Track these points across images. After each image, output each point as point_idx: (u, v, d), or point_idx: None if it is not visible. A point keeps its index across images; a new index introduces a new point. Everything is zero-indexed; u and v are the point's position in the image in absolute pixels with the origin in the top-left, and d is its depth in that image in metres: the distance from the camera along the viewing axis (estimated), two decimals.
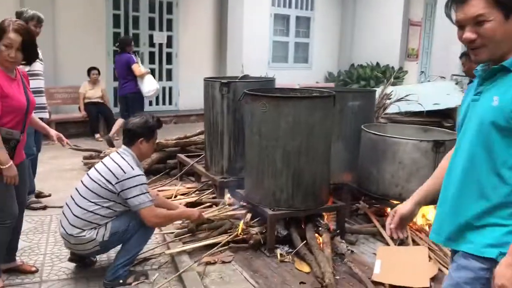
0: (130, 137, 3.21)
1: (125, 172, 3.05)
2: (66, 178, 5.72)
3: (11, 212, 2.94)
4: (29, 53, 2.94)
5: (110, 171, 3.07)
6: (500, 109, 1.52)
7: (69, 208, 3.10)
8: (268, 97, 3.69)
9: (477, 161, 1.60)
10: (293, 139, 3.59)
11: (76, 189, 3.17)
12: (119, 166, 3.08)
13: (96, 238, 3.06)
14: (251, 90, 3.91)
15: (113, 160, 3.14)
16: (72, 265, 3.41)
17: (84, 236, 3.04)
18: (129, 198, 3.04)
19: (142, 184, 3.07)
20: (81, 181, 3.18)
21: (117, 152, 3.22)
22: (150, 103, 10.07)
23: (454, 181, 1.67)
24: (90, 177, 3.13)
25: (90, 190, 3.07)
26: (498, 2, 1.50)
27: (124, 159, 3.12)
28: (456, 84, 10.08)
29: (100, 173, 3.10)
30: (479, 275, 1.60)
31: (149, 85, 7.15)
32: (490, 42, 1.55)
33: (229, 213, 3.99)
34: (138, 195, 3.04)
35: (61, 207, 3.31)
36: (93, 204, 3.04)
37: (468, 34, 1.56)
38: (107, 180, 3.05)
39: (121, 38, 7.94)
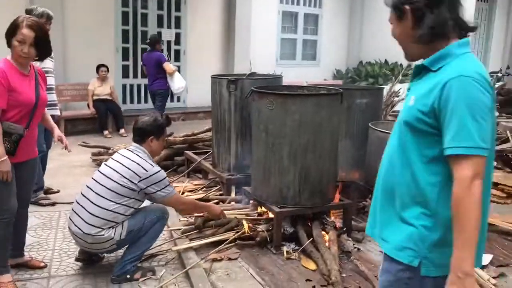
0: (140, 135, 3.26)
1: (146, 170, 3.10)
2: (75, 174, 5.76)
3: (8, 208, 2.92)
4: (42, 49, 2.98)
5: (131, 170, 3.09)
6: (413, 109, 1.57)
7: (83, 207, 3.10)
8: (275, 94, 3.69)
9: (394, 160, 1.65)
10: (300, 136, 3.59)
11: (89, 187, 3.17)
12: (139, 164, 3.11)
13: (114, 236, 3.08)
14: (258, 88, 3.91)
15: (129, 158, 3.16)
16: None
17: (103, 235, 3.05)
18: (155, 192, 3.13)
19: (164, 178, 3.19)
20: (94, 179, 3.19)
21: (130, 150, 3.24)
22: None
23: (379, 179, 1.74)
24: (107, 176, 3.12)
25: (109, 189, 3.07)
26: (392, 6, 1.64)
27: (141, 157, 3.17)
28: None
29: (119, 172, 3.10)
30: (399, 277, 1.62)
31: (178, 83, 7.55)
32: (399, 42, 1.68)
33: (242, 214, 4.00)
34: (163, 188, 3.15)
35: (70, 203, 3.33)
36: (113, 203, 3.05)
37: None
38: (128, 179, 3.07)
39: (151, 36, 8.15)
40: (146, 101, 9.95)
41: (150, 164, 3.16)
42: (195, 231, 3.82)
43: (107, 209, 3.04)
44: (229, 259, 3.52)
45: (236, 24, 10.48)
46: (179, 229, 3.90)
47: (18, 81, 2.88)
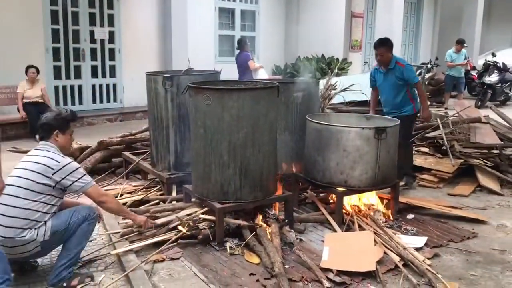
0: (45, 131, 3.18)
1: (58, 162, 3.04)
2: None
3: None
4: None
5: (43, 164, 3.01)
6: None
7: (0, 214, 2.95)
8: (212, 89, 3.65)
9: None
10: (238, 131, 3.58)
11: (3, 193, 3.01)
12: (49, 158, 3.04)
13: (37, 238, 2.95)
14: (194, 83, 3.86)
15: (39, 155, 3.08)
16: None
17: (25, 236, 2.92)
18: (72, 184, 3.04)
19: (78, 168, 3.11)
20: (7, 184, 3.03)
21: (38, 149, 3.15)
22: (94, 101, 9.80)
23: None
24: (19, 176, 3.01)
25: (23, 188, 2.96)
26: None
27: (50, 151, 3.10)
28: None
29: (31, 170, 3.00)
30: None
31: (261, 77, 8.41)
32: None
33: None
34: (79, 178, 3.06)
35: None
36: (29, 201, 2.95)
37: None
38: (41, 174, 2.99)
39: (239, 39, 9.36)
40: (80, 103, 9.61)
41: (61, 156, 3.11)
42: (135, 233, 3.71)
43: (24, 208, 2.93)
44: (171, 259, 3.45)
45: (172, 21, 10.31)
46: (118, 232, 3.77)
47: None
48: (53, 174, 2.99)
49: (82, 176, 3.09)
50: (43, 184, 2.98)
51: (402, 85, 5.05)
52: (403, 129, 4.63)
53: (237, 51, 9.24)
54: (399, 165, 4.66)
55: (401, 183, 5.02)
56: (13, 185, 2.99)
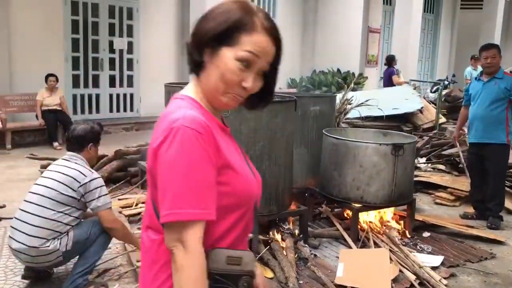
0: (80, 144, 3.23)
1: (85, 176, 3.07)
2: (22, 188, 5.48)
3: None
4: None
5: (70, 176, 3.04)
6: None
7: (24, 222, 2.98)
8: None
9: None
10: (255, 144, 3.58)
11: (27, 200, 3.07)
12: (77, 170, 3.08)
13: (60, 248, 2.98)
14: None
15: (67, 166, 3.12)
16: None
17: (48, 247, 2.95)
18: (92, 200, 3.05)
19: (102, 186, 3.13)
20: (32, 192, 3.09)
21: (66, 159, 3.19)
22: (111, 110, 9.91)
23: None
24: (46, 186, 3.04)
25: (49, 198, 2.99)
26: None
27: (79, 164, 3.14)
28: (414, 89, 10.37)
29: (57, 181, 3.03)
30: None
31: None
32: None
33: None
34: (100, 196, 3.08)
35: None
36: (54, 212, 2.98)
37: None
38: (68, 186, 3.02)
39: (387, 56, 10.72)
40: (98, 111, 9.72)
41: (90, 170, 3.15)
42: None
43: (49, 218, 2.96)
44: None
45: (190, 33, 10.40)
46: None
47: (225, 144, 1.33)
48: (79, 187, 3.02)
49: (103, 196, 3.09)
50: (68, 196, 3.01)
51: (503, 100, 4.53)
52: (494, 158, 4.47)
53: (385, 67, 10.61)
54: (481, 200, 4.63)
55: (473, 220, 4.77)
56: (39, 194, 3.02)
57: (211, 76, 1.21)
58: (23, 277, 3.24)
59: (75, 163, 3.15)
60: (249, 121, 3.54)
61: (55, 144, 7.83)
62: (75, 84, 9.36)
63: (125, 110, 10.17)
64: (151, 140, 1.21)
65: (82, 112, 9.50)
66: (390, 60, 10.38)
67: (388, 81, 10.19)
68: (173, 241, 1.12)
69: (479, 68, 11.08)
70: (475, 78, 4.93)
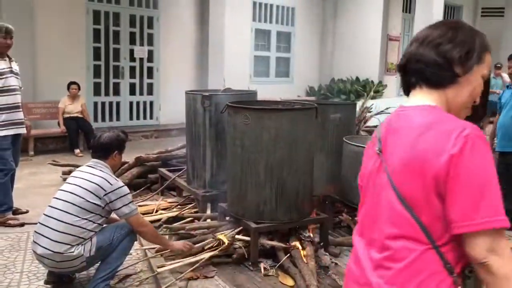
0: (106, 151, 3.27)
1: (111, 184, 3.09)
2: (45, 194, 5.58)
3: None
4: None
5: (96, 184, 3.07)
6: None
7: (48, 227, 3.01)
8: (251, 109, 3.68)
9: None
10: (276, 151, 3.58)
11: (52, 206, 3.10)
12: (103, 178, 3.11)
13: (84, 253, 3.01)
14: (234, 103, 3.89)
15: (93, 174, 3.15)
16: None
17: (73, 252, 2.98)
18: (119, 208, 3.09)
19: (128, 193, 3.17)
20: (56, 198, 3.13)
21: (91, 166, 3.22)
22: (131, 118, 10.01)
23: None
24: (71, 192, 3.07)
25: (74, 204, 3.02)
26: None
27: (104, 172, 3.17)
28: None
29: (83, 187, 3.06)
30: None
31: None
32: None
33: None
34: (126, 204, 3.11)
35: (36, 223, 3.21)
36: (79, 218, 3.00)
37: None
38: (93, 194, 3.04)
39: None
40: (118, 119, 9.83)
41: (115, 178, 3.19)
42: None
43: (73, 225, 2.98)
44: (206, 277, 3.44)
45: (210, 41, 10.51)
46: (153, 248, 3.79)
47: None
48: (104, 195, 3.05)
49: (130, 203, 3.14)
50: (93, 203, 3.04)
51: None
52: None
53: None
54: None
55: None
56: (64, 200, 3.06)
57: (463, 91, 1.32)
58: (46, 282, 3.27)
59: (101, 170, 3.17)
60: (270, 128, 3.54)
61: (76, 151, 7.92)
62: (96, 92, 9.48)
63: (144, 117, 10.26)
64: (408, 148, 1.23)
65: (103, 119, 9.62)
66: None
67: None
68: (484, 249, 1.13)
69: (505, 77, 11.00)
70: (507, 87, 4.90)
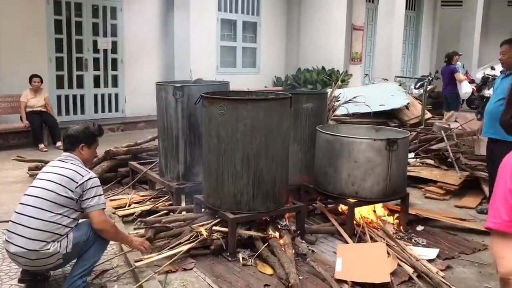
0: (71, 143, 3.18)
1: (82, 176, 3.01)
2: (11, 191, 5.41)
3: None
4: None
5: (67, 177, 2.98)
6: None
7: (21, 225, 2.91)
8: (226, 99, 3.66)
9: None
10: (252, 141, 3.58)
11: (23, 203, 3.00)
12: (74, 171, 3.02)
13: (60, 250, 2.92)
14: (208, 93, 3.86)
15: (63, 167, 3.06)
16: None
17: (48, 249, 2.88)
18: (86, 199, 2.99)
19: (98, 186, 3.08)
20: (28, 194, 3.03)
21: (62, 160, 3.14)
22: (96, 111, 9.79)
23: None
24: (43, 188, 2.98)
25: (47, 200, 2.93)
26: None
27: (75, 164, 3.09)
28: (400, 85, 10.48)
29: (54, 182, 2.97)
30: None
31: (465, 89, 9.95)
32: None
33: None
34: (94, 196, 3.01)
35: (6, 221, 3.11)
36: (53, 214, 2.91)
37: None
38: (65, 187, 2.95)
39: (447, 53, 10.31)
40: (82, 112, 9.60)
41: (86, 170, 3.10)
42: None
43: (48, 221, 2.89)
44: (184, 269, 3.43)
45: (175, 31, 10.37)
46: None
47: None
48: (76, 188, 2.96)
49: (98, 196, 3.02)
50: (66, 197, 2.95)
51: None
52: (499, 155, 4.38)
53: (443, 64, 10.46)
54: None
55: None
56: (36, 196, 2.95)
57: None
58: (20, 280, 3.18)
59: (71, 163, 3.09)
60: (246, 119, 3.54)
61: (41, 146, 7.70)
62: (59, 84, 9.22)
63: (110, 110, 10.06)
64: None
65: (67, 113, 9.38)
66: (450, 58, 10.05)
67: (449, 79, 9.94)
68: None
69: (459, 64, 11.29)
70: (500, 72, 4.94)
